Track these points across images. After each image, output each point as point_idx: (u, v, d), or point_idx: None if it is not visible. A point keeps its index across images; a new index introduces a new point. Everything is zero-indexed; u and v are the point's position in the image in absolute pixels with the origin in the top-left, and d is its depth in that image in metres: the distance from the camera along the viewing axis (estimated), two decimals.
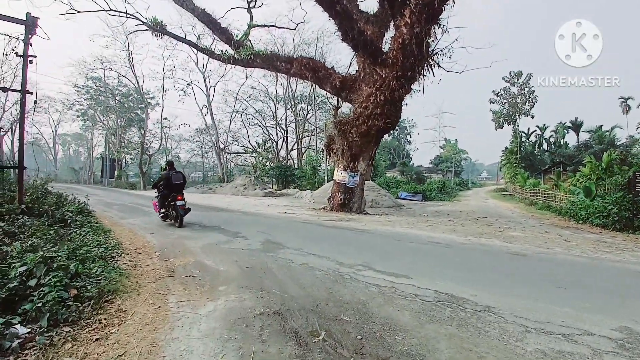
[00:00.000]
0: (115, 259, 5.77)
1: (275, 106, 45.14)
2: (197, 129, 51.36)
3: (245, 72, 44.30)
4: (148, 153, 42.71)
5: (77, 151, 77.38)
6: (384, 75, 13.02)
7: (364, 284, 4.77)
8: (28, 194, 11.43)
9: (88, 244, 6.52)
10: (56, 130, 65.06)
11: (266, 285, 4.65)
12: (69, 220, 8.62)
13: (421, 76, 12.44)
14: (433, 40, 12.05)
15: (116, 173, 44.49)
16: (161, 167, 13.54)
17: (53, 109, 52.93)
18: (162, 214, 10.05)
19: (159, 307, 3.99)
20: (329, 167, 32.28)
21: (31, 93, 10.52)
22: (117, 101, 45.07)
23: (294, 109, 44.84)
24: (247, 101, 44.93)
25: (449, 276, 5.20)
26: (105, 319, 3.62)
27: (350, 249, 7.08)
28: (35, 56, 10.39)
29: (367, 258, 6.11)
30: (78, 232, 7.71)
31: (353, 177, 14.49)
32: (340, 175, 14.69)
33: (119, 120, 46.07)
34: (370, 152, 14.77)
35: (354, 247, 7.19)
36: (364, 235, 8.83)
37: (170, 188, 9.67)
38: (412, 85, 12.96)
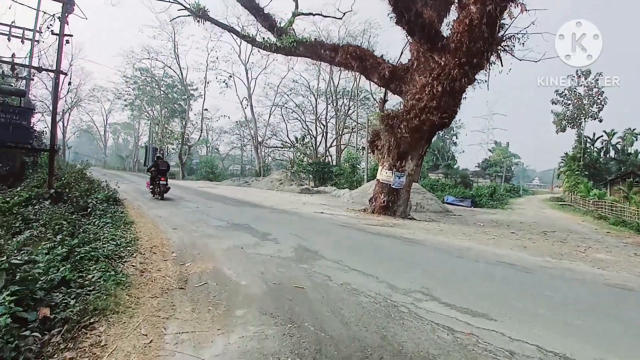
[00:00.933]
0: (124, 260, 4.86)
1: (316, 101, 44.30)
2: (237, 122, 51.76)
3: (287, 65, 43.66)
4: (188, 144, 43.30)
5: (126, 139, 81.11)
6: (443, 63, 11.44)
7: (430, 324, 3.44)
8: (63, 179, 11.13)
9: (101, 237, 5.76)
10: (107, 119, 68.73)
11: (297, 314, 3.47)
12: (89, 209, 7.99)
13: (489, 64, 10.74)
14: (505, 24, 10.35)
15: None
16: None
17: (105, 98, 55.77)
18: (151, 189, 13.78)
19: (151, 341, 2.91)
20: (369, 166, 30.81)
21: (66, 74, 10.12)
22: (162, 92, 46.14)
23: (335, 104, 43.65)
24: (287, 95, 44.37)
25: (549, 321, 3.73)
26: (72, 358, 2.58)
27: (402, 265, 5.74)
28: (71, 35, 9.94)
29: (426, 281, 4.76)
30: (97, 222, 7.00)
31: (399, 178, 13.01)
32: (384, 174, 13.27)
33: (163, 110, 47.20)
34: (420, 151, 13.21)
35: (406, 264, 5.84)
36: (415, 247, 7.43)
37: (158, 172, 13.38)
38: (477, 75, 11.27)
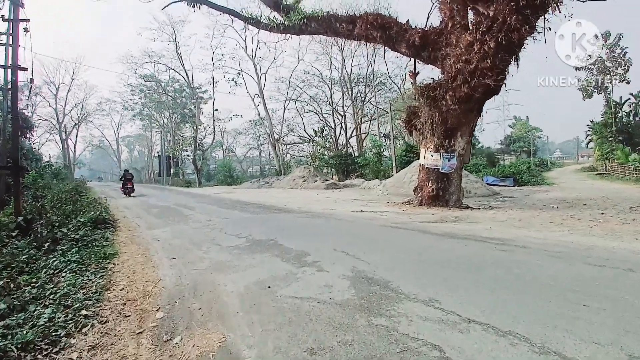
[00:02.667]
0: (59, 347, 2.76)
1: (330, 91, 41.75)
2: (250, 121, 49.88)
3: (297, 56, 41.84)
4: (202, 148, 41.59)
5: (141, 151, 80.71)
6: (492, 14, 9.05)
7: None
8: (40, 202, 9.36)
9: (46, 294, 3.77)
10: (118, 132, 68.11)
11: None
12: (45, 245, 6.03)
13: (553, 4, 8.28)
14: None
15: (172, 171, 44.10)
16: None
17: (114, 111, 55.16)
18: (122, 190, 20.52)
19: None
20: (397, 153, 28.30)
21: (25, 69, 8.14)
22: (169, 97, 44.77)
23: (350, 93, 41.11)
24: (300, 88, 42.00)
25: None
26: None
27: (541, 298, 3.33)
28: (28, 20, 7.98)
29: (632, 341, 2.48)
30: (56, 263, 5.00)
31: (449, 160, 10.63)
32: (430, 158, 10.90)
33: (172, 116, 45.86)
34: (470, 125, 10.79)
35: (543, 293, 3.44)
36: (516, 253, 5.06)
37: (126, 180, 20.52)
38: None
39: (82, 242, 6.34)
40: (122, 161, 79.80)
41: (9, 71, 8.19)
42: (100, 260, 5.32)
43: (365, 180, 26.19)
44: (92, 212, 8.68)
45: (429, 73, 14.56)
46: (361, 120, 41.57)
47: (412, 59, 12.60)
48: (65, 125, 51.45)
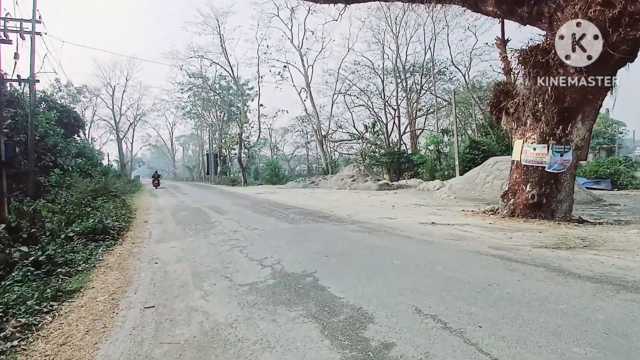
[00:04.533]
0: None
1: (382, 82, 38.58)
2: (297, 117, 48.27)
3: (346, 45, 39.73)
4: (247, 146, 40.55)
5: (195, 150, 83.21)
6: None
7: None
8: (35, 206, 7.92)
9: None
10: (172, 132, 70.38)
11: None
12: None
13: None
14: None
15: (219, 169, 43.70)
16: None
17: (169, 112, 56.94)
18: (153, 184, 30.69)
19: None
20: (459, 150, 24.82)
21: (10, 42, 6.68)
22: (216, 94, 44.56)
23: (404, 85, 37.70)
24: (349, 80, 39.26)
25: None
26: None
27: None
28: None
29: None
30: None
31: (560, 155, 7.65)
32: (531, 152, 7.97)
33: (219, 114, 45.60)
34: (597, 104, 7.68)
35: None
36: None
37: (155, 178, 31.34)
38: None
39: (45, 267, 4.50)
40: (177, 160, 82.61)
41: None
42: (42, 304, 3.41)
43: (421, 180, 23.11)
44: (92, 220, 6.97)
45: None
46: (416, 115, 38.00)
47: (500, 21, 9.65)
48: (119, 124, 53.75)
